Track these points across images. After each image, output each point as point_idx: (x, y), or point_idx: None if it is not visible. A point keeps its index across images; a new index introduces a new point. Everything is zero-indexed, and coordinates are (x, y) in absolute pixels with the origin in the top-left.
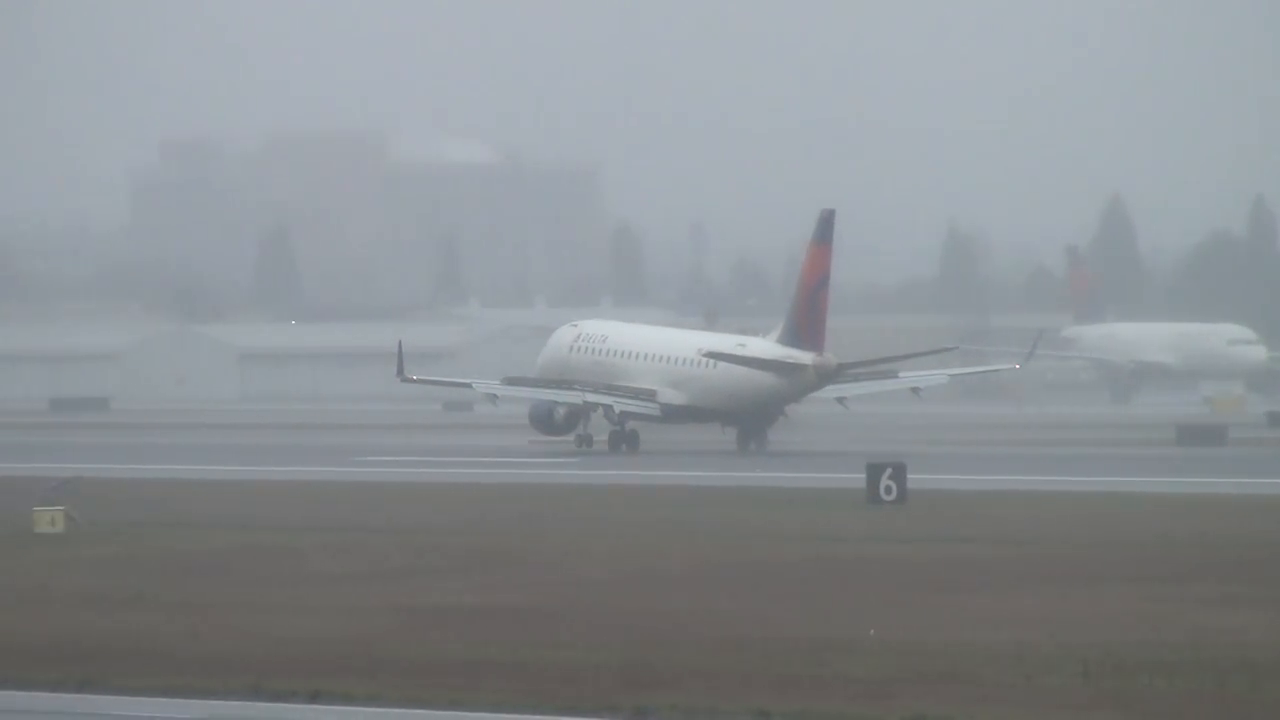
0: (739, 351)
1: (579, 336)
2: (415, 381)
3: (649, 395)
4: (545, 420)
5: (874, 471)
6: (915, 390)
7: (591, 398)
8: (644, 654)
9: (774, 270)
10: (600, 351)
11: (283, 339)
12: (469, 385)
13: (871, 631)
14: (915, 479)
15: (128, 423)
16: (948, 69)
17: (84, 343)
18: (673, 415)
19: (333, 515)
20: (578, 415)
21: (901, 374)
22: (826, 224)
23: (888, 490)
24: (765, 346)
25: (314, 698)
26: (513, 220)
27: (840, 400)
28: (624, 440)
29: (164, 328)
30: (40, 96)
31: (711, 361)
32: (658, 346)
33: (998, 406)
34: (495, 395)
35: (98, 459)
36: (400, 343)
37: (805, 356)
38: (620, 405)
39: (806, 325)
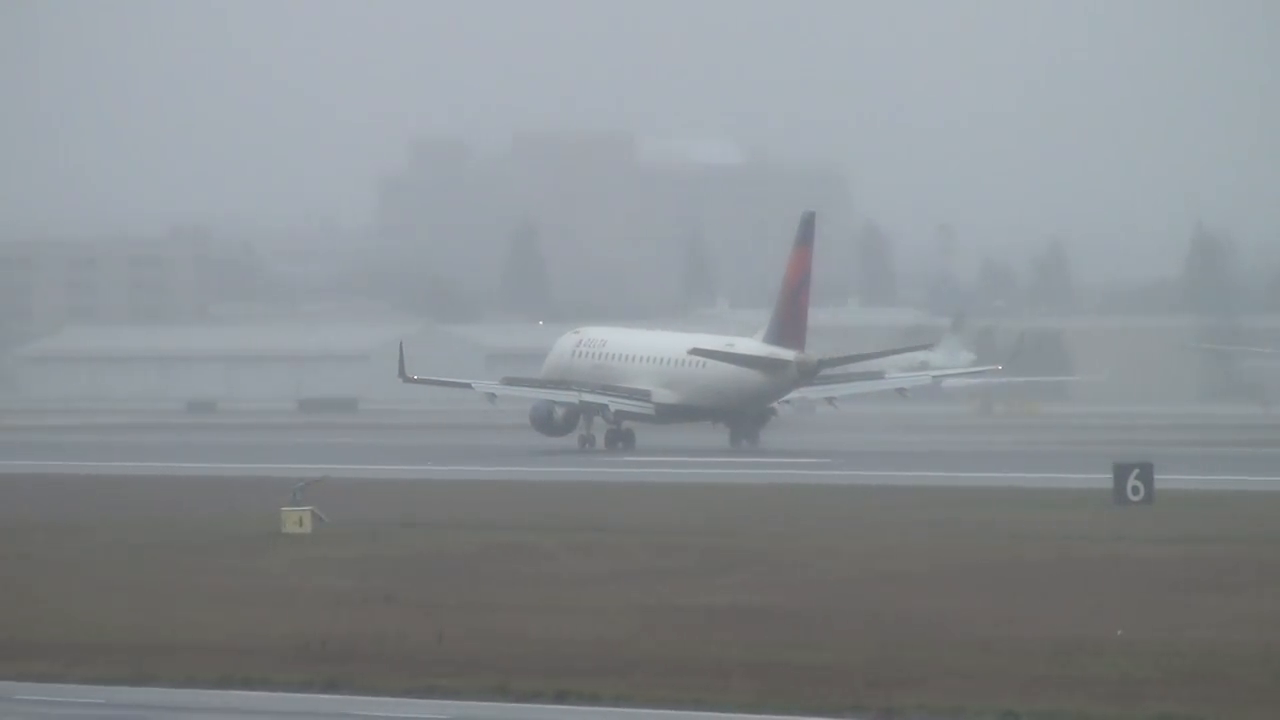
0: (726, 350)
1: (580, 342)
2: (416, 381)
3: (644, 395)
4: (545, 420)
5: (1121, 472)
6: (901, 391)
7: (588, 398)
8: (892, 654)
9: (1021, 270)
10: (599, 355)
11: (530, 339)
12: (469, 385)
13: (1119, 632)
14: (1162, 479)
15: (374, 423)
16: (1196, 68)
17: (332, 343)
18: (666, 414)
19: (572, 514)
20: (576, 415)
21: (888, 374)
22: (807, 226)
23: (1134, 490)
24: (751, 345)
25: (559, 698)
26: (759, 221)
27: (830, 400)
28: (620, 439)
29: (411, 328)
30: (287, 100)
31: (702, 361)
32: (652, 349)
33: (1245, 406)
34: (494, 395)
35: (345, 459)
36: (401, 344)
37: (788, 354)
38: (616, 405)
39: (789, 324)
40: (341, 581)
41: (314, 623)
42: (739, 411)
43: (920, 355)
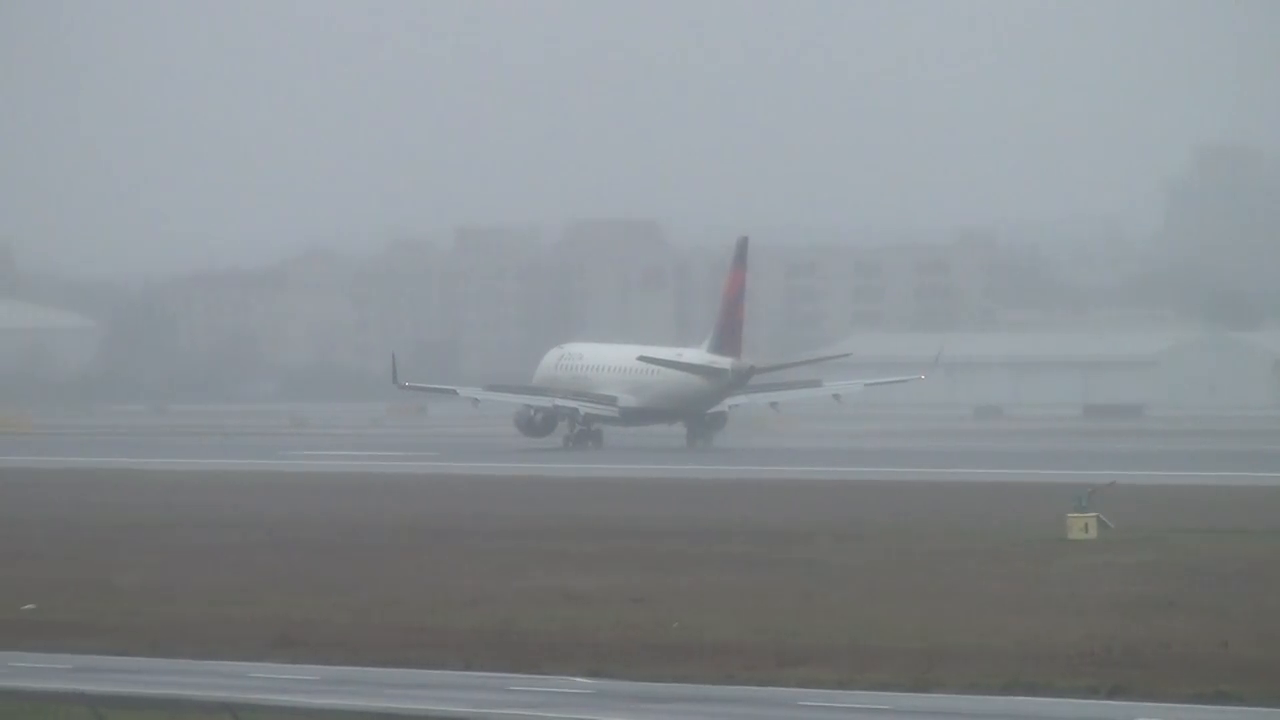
0: (672, 359)
1: (563, 355)
2: (407, 388)
3: (610, 400)
4: (526, 423)
5: None
6: (836, 397)
7: (560, 402)
8: None
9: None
10: (577, 367)
11: None
12: (454, 391)
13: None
14: None
15: (1162, 429)
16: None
17: (1118, 349)
18: (630, 417)
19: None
20: (553, 418)
21: (825, 382)
22: (741, 249)
23: None
24: (695, 354)
25: None
26: None
27: (773, 405)
28: (589, 438)
29: (1196, 334)
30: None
31: (656, 369)
32: (618, 361)
33: None
34: (477, 400)
35: (1131, 465)
36: (394, 355)
37: (725, 361)
38: (585, 408)
39: (727, 335)
40: (1126, 588)
41: (1098, 629)
42: (689, 413)
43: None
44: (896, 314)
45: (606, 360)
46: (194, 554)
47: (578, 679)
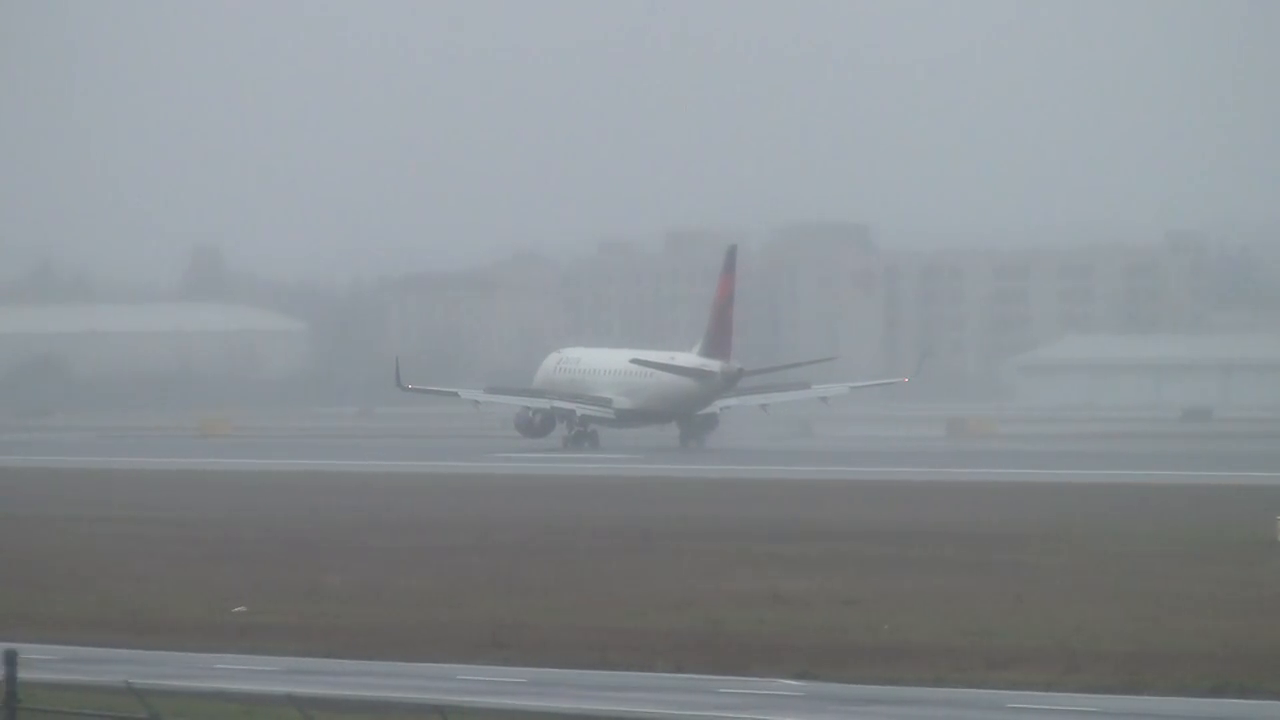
0: (665, 362)
1: (561, 359)
2: (411, 389)
3: (606, 402)
4: (525, 425)
5: None
6: (823, 399)
7: (558, 404)
8: None
9: None
10: (574, 370)
11: None
12: (455, 394)
13: None
14: None
15: None
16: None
17: None
18: (625, 418)
19: None
20: (551, 419)
21: (813, 385)
22: (730, 258)
23: None
24: (687, 357)
25: None
26: None
27: (763, 406)
28: (585, 439)
29: None
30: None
31: (650, 372)
32: (613, 364)
33: None
34: (478, 402)
35: None
36: (397, 359)
37: (714, 364)
38: (581, 410)
39: (717, 339)
40: None
41: None
42: (681, 414)
43: None
44: (1104, 316)
45: (602, 364)
46: (402, 556)
47: (787, 681)
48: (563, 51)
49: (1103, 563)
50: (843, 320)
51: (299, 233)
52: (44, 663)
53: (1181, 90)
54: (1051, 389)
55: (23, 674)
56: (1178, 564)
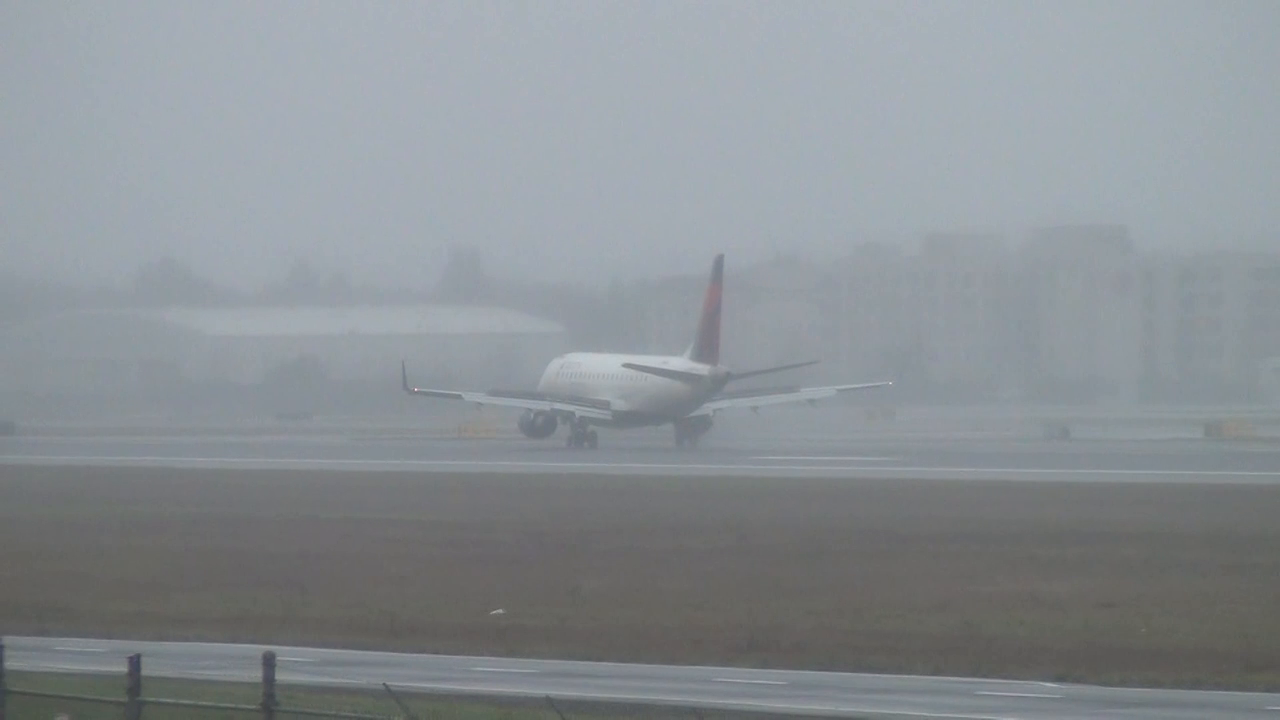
0: (658, 366)
1: (564, 364)
2: (418, 393)
3: (604, 405)
4: (529, 426)
5: None
6: (812, 401)
7: (558, 406)
8: None
9: None
10: (576, 375)
11: None
12: (459, 397)
13: None
14: None
15: None
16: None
17: None
18: (622, 420)
19: None
20: (552, 421)
21: (801, 388)
22: (718, 266)
23: None
24: (679, 361)
25: None
26: None
27: (754, 408)
28: (585, 440)
29: None
30: None
31: (645, 375)
32: (611, 368)
33: None
34: (480, 404)
35: None
36: (403, 362)
37: (703, 368)
38: (580, 412)
39: (706, 344)
40: None
41: None
42: (674, 416)
43: None
44: None
45: (600, 368)
46: (661, 558)
47: (1045, 684)
48: (810, 57)
49: None
50: (1100, 322)
51: (555, 235)
52: (302, 665)
53: None
54: None
55: (281, 676)
56: None
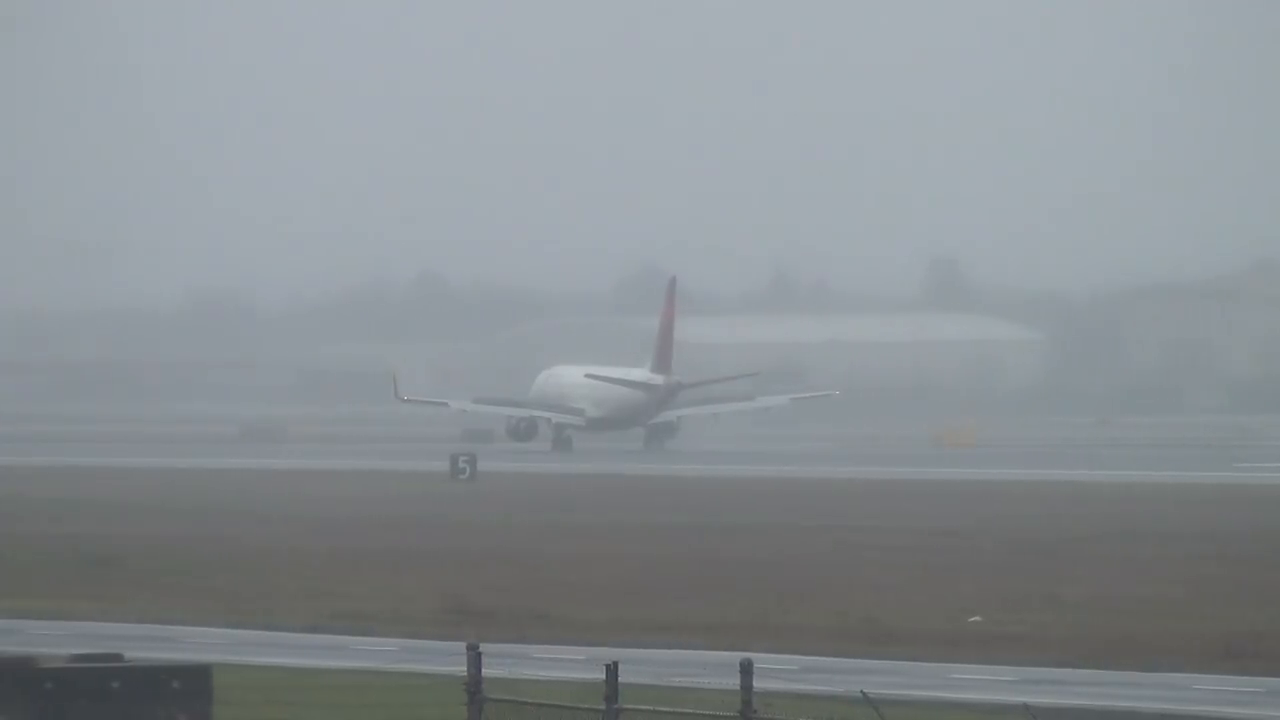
0: (620, 377)
1: (549, 375)
2: (408, 401)
3: (579, 412)
4: (514, 431)
5: None
6: (765, 409)
7: (536, 413)
8: None
9: None
10: (558, 384)
11: None
12: (445, 404)
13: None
14: None
15: None
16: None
17: None
18: (594, 425)
19: None
20: (533, 426)
21: (757, 397)
22: (671, 286)
23: None
24: (639, 372)
25: None
26: None
27: (714, 415)
28: (562, 444)
29: None
30: None
31: (612, 385)
32: (585, 378)
33: None
34: (465, 410)
35: None
36: (394, 374)
37: (658, 378)
38: (556, 418)
39: (661, 356)
40: None
41: None
42: (638, 422)
43: None
44: None
45: (576, 379)
46: (1138, 566)
47: None
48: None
49: None
50: None
51: (1035, 240)
52: (780, 672)
53: None
54: None
55: (758, 683)
56: None
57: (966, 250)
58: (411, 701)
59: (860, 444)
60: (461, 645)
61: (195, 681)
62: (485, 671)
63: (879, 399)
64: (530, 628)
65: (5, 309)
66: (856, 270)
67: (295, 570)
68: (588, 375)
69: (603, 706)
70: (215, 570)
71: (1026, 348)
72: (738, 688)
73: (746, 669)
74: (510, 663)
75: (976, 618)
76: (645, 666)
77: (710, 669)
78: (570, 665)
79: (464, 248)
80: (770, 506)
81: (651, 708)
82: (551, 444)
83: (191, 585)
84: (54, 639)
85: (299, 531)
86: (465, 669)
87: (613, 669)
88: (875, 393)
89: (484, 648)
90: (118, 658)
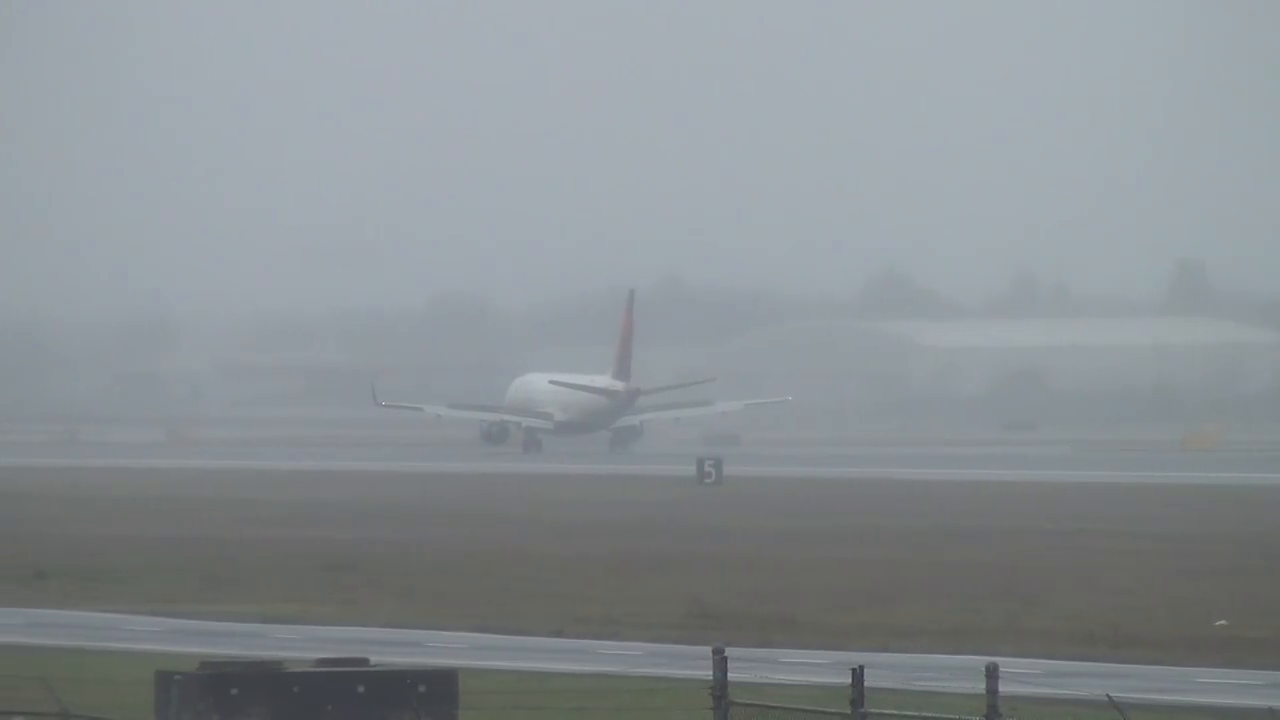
0: (583, 384)
1: (522, 382)
2: (385, 406)
3: (547, 416)
4: (487, 434)
5: None
6: (723, 414)
7: (506, 417)
8: None
9: None
10: (529, 390)
11: None
12: (420, 409)
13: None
14: None
15: None
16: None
17: None
18: (562, 429)
19: None
20: (504, 430)
21: (715, 402)
22: (630, 299)
23: None
24: (602, 379)
25: None
26: None
27: (676, 419)
28: (532, 446)
29: None
30: None
31: (577, 391)
32: (552, 385)
33: None
34: (440, 415)
35: None
36: (372, 380)
37: (618, 385)
38: (526, 422)
39: (621, 364)
40: None
41: None
42: (602, 425)
43: None
44: None
45: (544, 385)
46: None
47: None
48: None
49: None
50: None
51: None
52: (1025, 676)
53: None
54: None
55: (1004, 688)
56: None
57: (1216, 253)
58: (656, 706)
59: (1104, 448)
60: (706, 650)
61: (440, 685)
62: (730, 676)
63: (1120, 403)
64: (774, 632)
65: (257, 312)
66: (1098, 274)
67: (543, 576)
68: (552, 381)
69: (848, 710)
70: (463, 574)
71: (1271, 351)
72: (982, 692)
73: (992, 673)
74: (756, 666)
75: (1222, 621)
76: (890, 671)
77: (956, 674)
78: (815, 669)
79: (705, 249)
80: (1016, 510)
81: (897, 711)
82: (522, 447)
83: (428, 589)
84: (297, 644)
85: (542, 536)
86: (710, 673)
87: (859, 673)
88: (1115, 397)
89: (731, 651)
90: (363, 662)
